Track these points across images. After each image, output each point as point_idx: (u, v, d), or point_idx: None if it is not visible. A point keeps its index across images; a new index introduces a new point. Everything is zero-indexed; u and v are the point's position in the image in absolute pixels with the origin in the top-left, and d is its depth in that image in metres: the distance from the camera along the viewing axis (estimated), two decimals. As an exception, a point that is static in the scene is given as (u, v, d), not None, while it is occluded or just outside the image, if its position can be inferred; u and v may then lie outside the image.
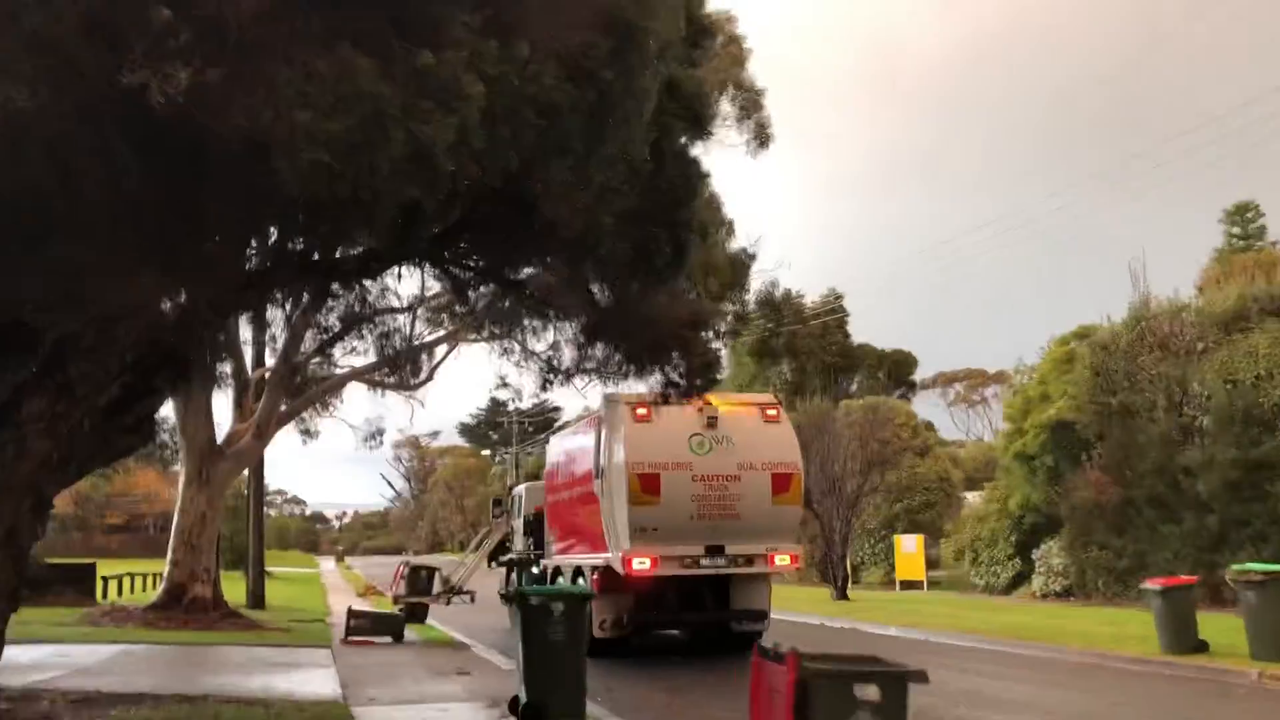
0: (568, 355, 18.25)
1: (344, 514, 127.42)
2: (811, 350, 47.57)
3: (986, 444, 65.16)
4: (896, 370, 48.65)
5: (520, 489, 23.39)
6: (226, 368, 23.27)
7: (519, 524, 22.13)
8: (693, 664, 16.06)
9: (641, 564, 15.12)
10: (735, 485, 15.58)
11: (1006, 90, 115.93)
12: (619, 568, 15.34)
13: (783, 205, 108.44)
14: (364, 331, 22.06)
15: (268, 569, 49.70)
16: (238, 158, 4.57)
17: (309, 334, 21.12)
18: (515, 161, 5.50)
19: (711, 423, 15.78)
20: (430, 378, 25.70)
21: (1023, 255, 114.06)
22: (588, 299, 8.60)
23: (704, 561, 15.44)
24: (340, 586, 42.93)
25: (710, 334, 9.76)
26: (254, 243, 8.31)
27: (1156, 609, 15.21)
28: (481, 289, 10.96)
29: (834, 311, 46.18)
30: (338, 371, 24.86)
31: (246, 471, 25.87)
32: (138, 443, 8.18)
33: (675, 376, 9.03)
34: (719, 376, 10.46)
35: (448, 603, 21.02)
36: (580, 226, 6.23)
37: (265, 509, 63.99)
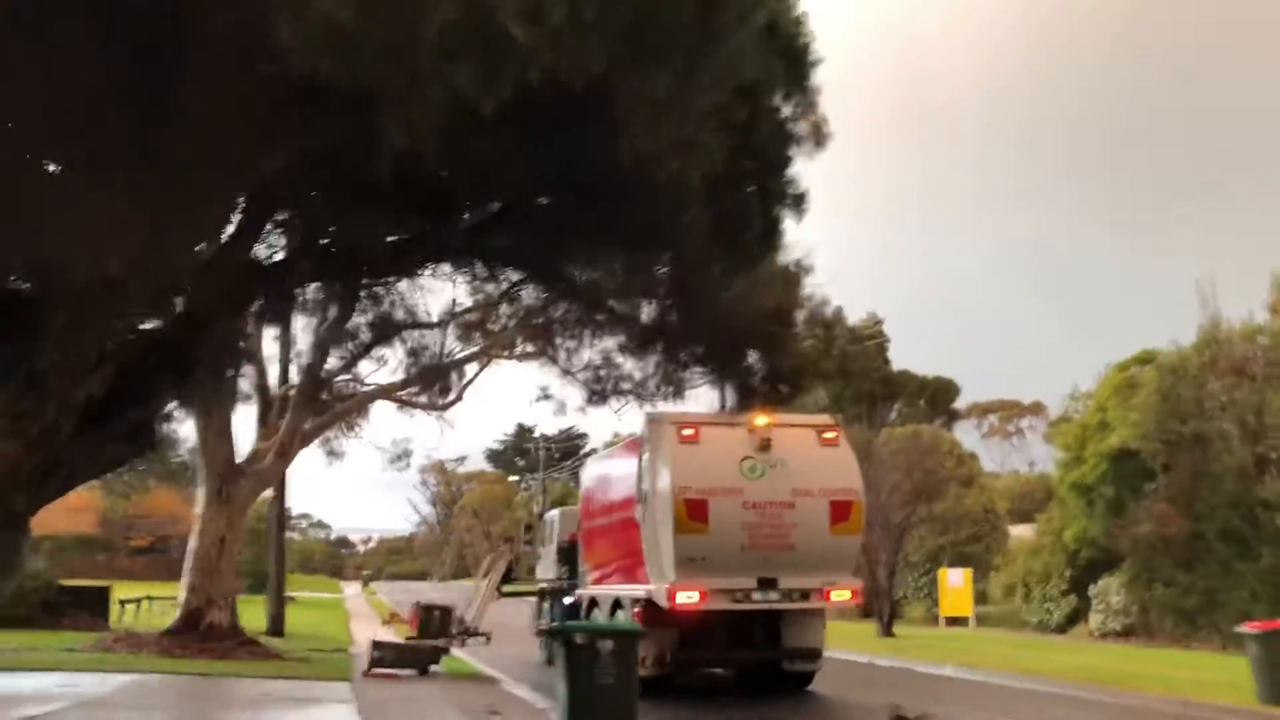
0: (621, 364, 17.25)
1: (369, 539, 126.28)
2: (850, 376, 46.23)
3: (1023, 476, 63.44)
4: (938, 398, 47.24)
5: (553, 514, 22.18)
6: (247, 383, 22.41)
7: (551, 551, 21.03)
8: (743, 706, 14.84)
9: (688, 597, 14.00)
10: (790, 513, 14.40)
11: (1029, 120, 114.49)
12: (663, 601, 14.19)
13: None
14: (393, 341, 21.16)
15: (290, 594, 48.80)
16: (225, 32, 3.46)
17: (335, 349, 20.25)
18: (602, 58, 4.34)
19: (764, 445, 14.56)
20: (460, 397, 24.69)
21: (1050, 286, 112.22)
22: (651, 292, 7.47)
23: (756, 595, 14.29)
24: (364, 613, 41.78)
25: (798, 331, 8.48)
26: (272, 227, 7.28)
27: (1254, 655, 13.89)
28: (525, 290, 9.86)
29: (874, 336, 44.91)
30: (364, 389, 23.88)
31: (269, 492, 24.91)
32: (133, 452, 7.16)
33: (755, 382, 7.88)
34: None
35: (462, 644, 19.68)
36: (670, 170, 5.09)
37: (289, 532, 62.87)
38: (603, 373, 22.83)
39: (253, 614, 26.21)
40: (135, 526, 62.18)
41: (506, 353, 23.84)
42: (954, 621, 32.98)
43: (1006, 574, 31.73)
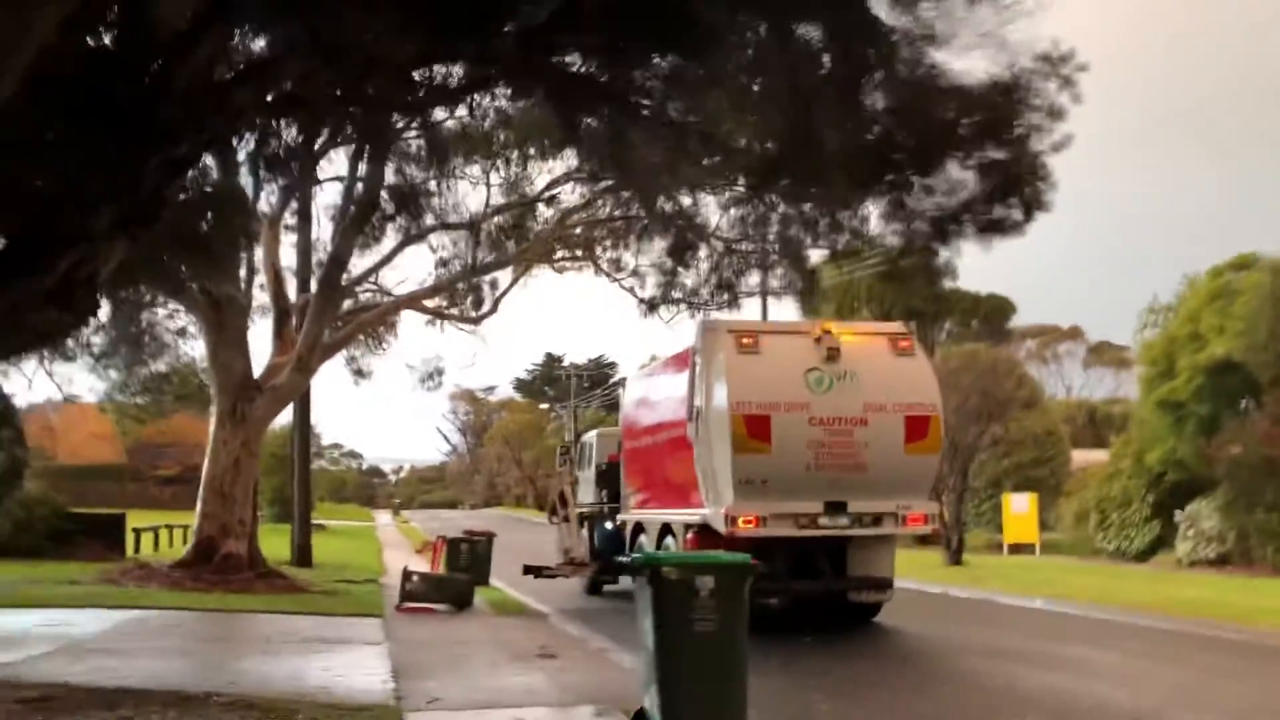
0: (674, 268, 15.24)
1: (400, 468, 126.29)
2: (894, 294, 43.92)
3: (1063, 402, 61.07)
4: (992, 317, 44.77)
5: (591, 435, 20.95)
6: (263, 292, 20.49)
7: (590, 474, 19.64)
8: (824, 648, 12.92)
9: (748, 522, 12.75)
10: (861, 430, 13.05)
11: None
12: (720, 526, 12.89)
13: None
14: (423, 238, 19.04)
15: (319, 522, 47.43)
16: None
17: (359, 245, 18.25)
18: None
19: (832, 354, 13.21)
20: (495, 308, 22.66)
21: (1080, 213, 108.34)
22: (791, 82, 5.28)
23: (823, 520, 13.04)
24: (396, 542, 40.41)
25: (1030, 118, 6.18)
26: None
27: None
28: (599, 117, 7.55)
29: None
30: (389, 298, 21.87)
31: (290, 414, 23.09)
32: (71, 321, 5.18)
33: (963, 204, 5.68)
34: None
35: (569, 576, 18.51)
36: None
37: (318, 460, 61.28)
38: (651, 277, 20.99)
39: (279, 543, 24.75)
40: (165, 455, 61.13)
41: (545, 259, 21.77)
42: (1017, 549, 31.08)
43: (1080, 499, 29.60)
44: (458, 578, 16.32)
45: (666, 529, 14.73)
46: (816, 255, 21.47)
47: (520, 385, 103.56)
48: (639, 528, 16.10)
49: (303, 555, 23.26)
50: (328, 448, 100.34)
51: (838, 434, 12.99)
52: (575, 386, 77.26)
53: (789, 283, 19.91)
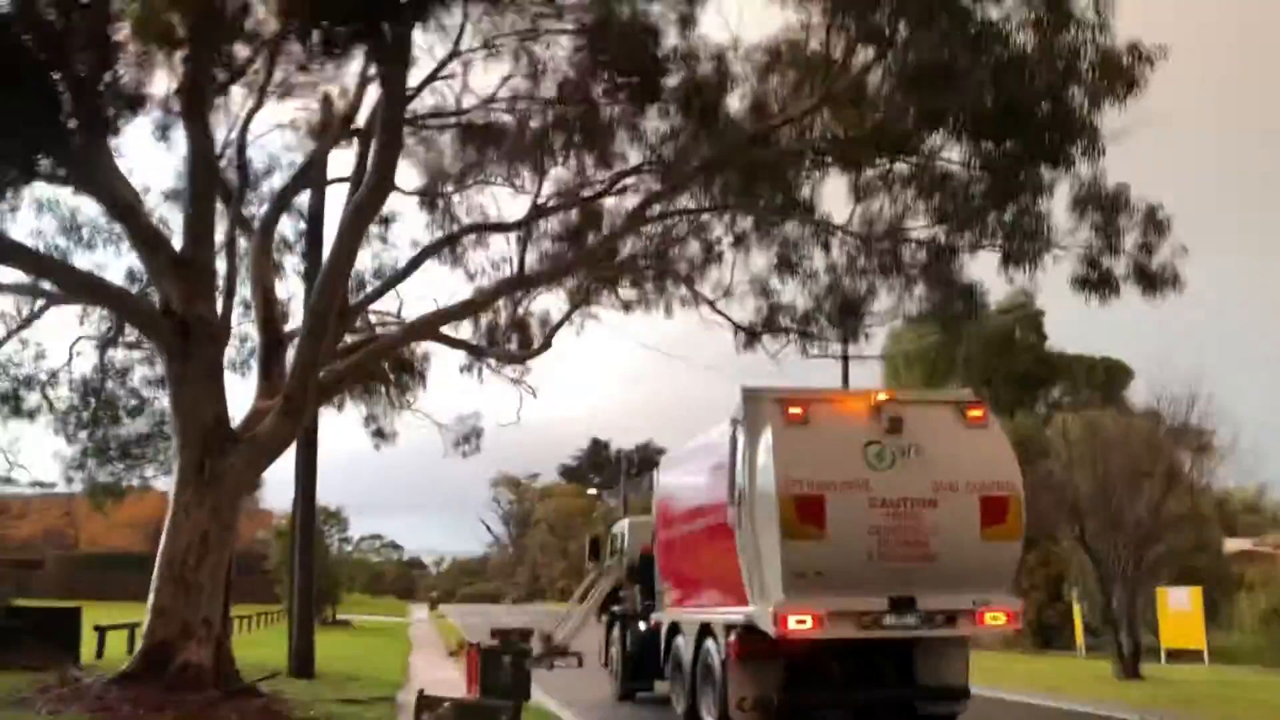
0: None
1: (441, 560, 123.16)
2: (992, 358, 39.32)
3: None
4: (1107, 382, 39.65)
5: (622, 525, 19.02)
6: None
7: (622, 568, 17.87)
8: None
9: (801, 622, 11.39)
10: (930, 513, 11.73)
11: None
12: (768, 627, 11.58)
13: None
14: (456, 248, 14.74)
15: (344, 617, 42.49)
16: None
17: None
18: None
19: (894, 425, 11.91)
20: (547, 345, 18.02)
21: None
22: None
23: (888, 619, 11.64)
24: (429, 640, 35.31)
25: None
26: None
27: None
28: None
29: (1024, 306, 37.80)
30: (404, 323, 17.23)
31: (293, 478, 18.39)
32: None
33: None
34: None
35: (550, 667, 16.64)
36: None
37: (348, 549, 56.38)
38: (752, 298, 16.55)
39: (277, 645, 20.11)
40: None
41: (608, 283, 17.20)
42: (1177, 655, 25.51)
43: (1266, 595, 23.99)
44: (497, 706, 11.38)
45: (706, 630, 13.29)
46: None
47: (566, 471, 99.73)
48: (675, 629, 14.70)
49: (302, 662, 18.33)
50: (367, 538, 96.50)
51: (903, 517, 11.63)
52: (625, 470, 72.95)
53: (938, 303, 15.22)
